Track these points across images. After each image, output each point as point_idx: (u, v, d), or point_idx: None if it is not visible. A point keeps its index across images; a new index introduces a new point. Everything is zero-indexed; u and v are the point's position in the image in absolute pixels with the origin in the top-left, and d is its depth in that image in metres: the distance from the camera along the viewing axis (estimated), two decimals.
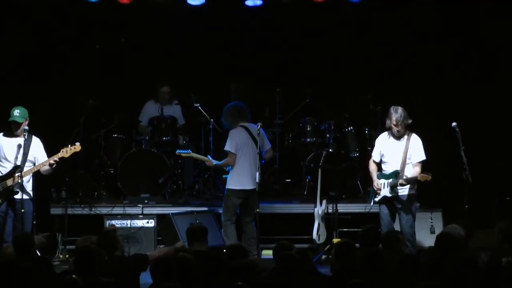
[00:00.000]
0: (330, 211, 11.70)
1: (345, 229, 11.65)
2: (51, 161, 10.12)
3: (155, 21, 13.31)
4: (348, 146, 12.85)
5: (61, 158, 10.20)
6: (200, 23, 13.44)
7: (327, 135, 12.82)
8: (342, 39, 13.33)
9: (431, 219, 11.81)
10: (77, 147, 10.27)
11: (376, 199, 10.29)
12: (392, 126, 10.12)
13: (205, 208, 11.95)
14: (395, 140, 10.23)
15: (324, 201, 11.69)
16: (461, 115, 11.47)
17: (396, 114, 10.06)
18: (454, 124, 10.35)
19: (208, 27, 13.51)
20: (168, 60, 13.46)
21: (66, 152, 10.20)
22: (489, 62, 12.79)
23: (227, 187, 11.00)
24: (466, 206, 10.17)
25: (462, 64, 12.82)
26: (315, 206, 11.68)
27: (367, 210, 11.45)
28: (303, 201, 12.46)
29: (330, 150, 12.51)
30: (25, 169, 10.13)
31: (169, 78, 13.14)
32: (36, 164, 10.21)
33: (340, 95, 13.32)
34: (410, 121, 10.12)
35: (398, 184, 10.05)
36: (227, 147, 10.96)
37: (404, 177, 10.03)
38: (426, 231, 11.71)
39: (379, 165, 10.38)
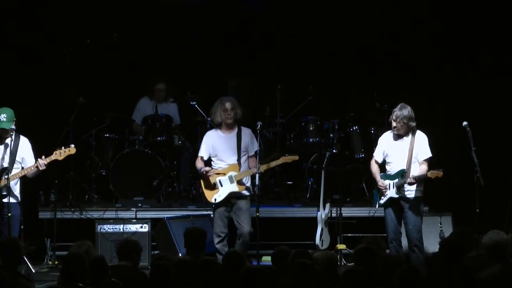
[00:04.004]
0: (334, 215, 11.72)
1: (349, 234, 11.64)
2: (46, 163, 10.07)
3: (149, 15, 13.33)
4: (353, 146, 12.87)
5: (54, 161, 10.17)
6: (197, 19, 13.46)
7: (331, 135, 12.83)
8: (348, 34, 13.36)
9: (441, 224, 11.80)
10: (72, 149, 10.23)
11: (382, 201, 10.22)
12: (391, 120, 10.09)
13: (202, 212, 11.88)
14: (399, 138, 10.16)
15: (327, 205, 11.72)
16: (472, 113, 11.49)
17: (399, 111, 9.99)
18: (465, 123, 10.26)
19: (205, 22, 13.52)
20: (163, 56, 13.48)
21: (59, 154, 10.16)
22: (502, 57, 12.78)
23: (251, 193, 10.64)
24: (478, 210, 10.09)
25: (473, 60, 12.80)
26: (318, 210, 11.70)
27: (371, 214, 11.49)
28: (306, 205, 12.45)
29: (334, 150, 12.52)
30: (13, 171, 10.10)
31: (164, 75, 13.15)
32: (24, 166, 10.19)
33: (345, 92, 13.33)
34: (413, 124, 10.03)
35: (406, 183, 9.98)
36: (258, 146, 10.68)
37: (412, 176, 9.97)
38: (435, 236, 11.69)
39: (381, 166, 10.33)
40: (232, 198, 10.53)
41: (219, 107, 10.59)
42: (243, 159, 10.54)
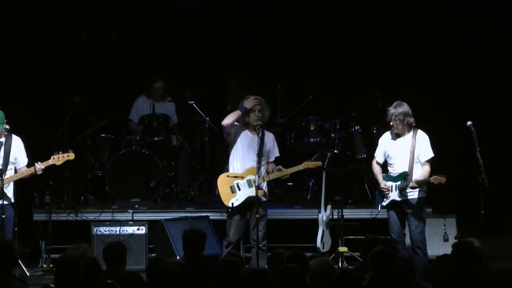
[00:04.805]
0: (335, 217, 11.70)
1: (351, 237, 11.60)
2: (43, 168, 10.00)
3: (147, 13, 13.35)
4: (354, 146, 12.86)
5: (51, 165, 10.12)
6: (195, 16, 13.43)
7: (332, 135, 12.84)
8: (349, 34, 13.39)
9: (445, 226, 11.78)
10: (71, 155, 10.22)
11: (384, 203, 10.12)
12: (388, 120, 10.00)
13: (200, 214, 11.83)
14: (400, 139, 10.06)
15: (328, 206, 11.67)
16: (477, 113, 11.46)
17: (394, 109, 9.91)
18: (469, 123, 10.20)
19: (204, 20, 13.52)
20: (161, 55, 13.49)
21: (58, 159, 10.16)
22: (505, 56, 12.76)
23: (268, 198, 10.45)
24: (482, 212, 10.03)
25: (476, 59, 12.79)
26: (319, 212, 11.66)
27: (373, 216, 11.47)
28: (306, 206, 12.43)
29: (336, 151, 12.51)
30: (7, 172, 10.05)
31: (162, 74, 13.12)
32: (17, 166, 10.17)
33: (346, 91, 13.29)
34: (410, 119, 9.93)
35: (409, 187, 9.90)
36: None
37: (414, 180, 9.88)
38: (439, 238, 11.70)
39: (383, 166, 10.25)
40: (249, 202, 10.25)
41: None
42: (262, 163, 10.25)
